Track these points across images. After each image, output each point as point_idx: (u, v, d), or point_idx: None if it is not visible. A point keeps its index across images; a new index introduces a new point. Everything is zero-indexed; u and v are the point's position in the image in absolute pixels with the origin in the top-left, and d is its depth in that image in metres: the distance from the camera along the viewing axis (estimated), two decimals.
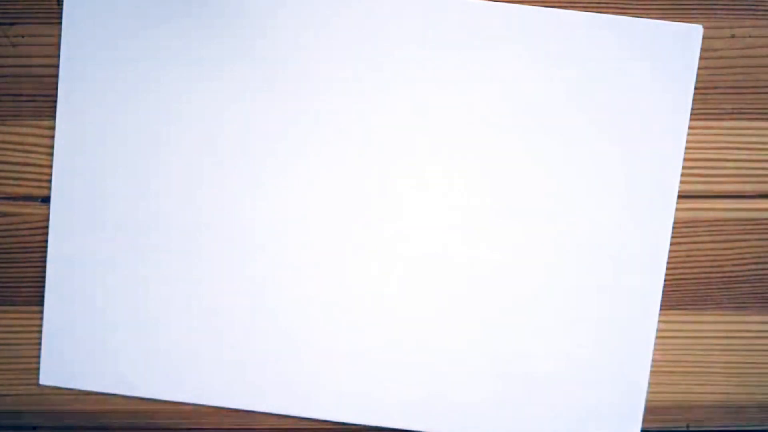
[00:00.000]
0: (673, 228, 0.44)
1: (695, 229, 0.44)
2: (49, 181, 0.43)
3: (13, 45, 0.43)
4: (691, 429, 0.45)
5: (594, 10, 0.43)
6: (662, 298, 0.44)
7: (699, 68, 0.43)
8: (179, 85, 0.43)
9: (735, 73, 0.43)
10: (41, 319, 0.44)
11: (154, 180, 0.43)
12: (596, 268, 0.44)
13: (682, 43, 0.42)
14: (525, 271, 0.44)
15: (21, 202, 0.44)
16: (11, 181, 0.43)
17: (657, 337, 0.44)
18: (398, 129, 0.43)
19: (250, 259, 0.43)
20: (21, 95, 0.43)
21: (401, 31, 0.42)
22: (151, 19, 0.42)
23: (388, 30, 0.42)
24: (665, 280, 0.44)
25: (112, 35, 0.42)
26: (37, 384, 0.44)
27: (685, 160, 0.43)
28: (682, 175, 0.44)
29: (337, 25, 0.42)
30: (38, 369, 0.44)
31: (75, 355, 0.44)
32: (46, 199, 0.43)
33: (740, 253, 0.45)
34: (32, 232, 0.44)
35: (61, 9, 0.42)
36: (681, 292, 0.44)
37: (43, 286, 0.44)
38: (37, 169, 0.43)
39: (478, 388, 0.44)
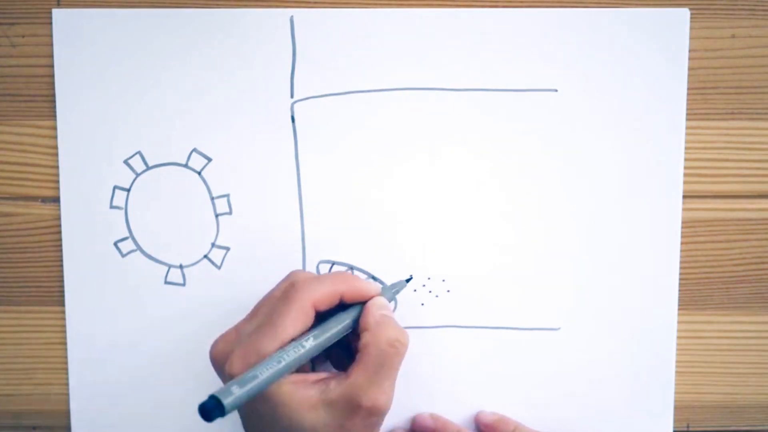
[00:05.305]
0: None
1: (695, 229, 0.44)
2: (49, 181, 0.43)
3: (13, 45, 0.43)
4: (691, 429, 0.45)
5: (592, 5, 0.43)
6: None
7: (699, 68, 0.43)
8: (177, 86, 0.43)
9: (735, 73, 0.43)
10: (40, 318, 0.44)
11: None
12: (609, 269, 0.44)
13: (671, 27, 0.42)
14: (530, 276, 0.44)
15: (21, 202, 0.44)
16: (11, 181, 0.43)
17: None
18: (409, 133, 0.43)
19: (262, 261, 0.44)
20: (21, 95, 0.43)
21: (407, 42, 0.42)
22: (146, 25, 0.42)
23: (396, 44, 0.42)
24: None
25: (105, 36, 0.42)
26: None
27: (685, 160, 0.43)
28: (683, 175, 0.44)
29: (342, 43, 0.42)
30: (37, 369, 0.44)
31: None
32: (46, 200, 0.43)
33: (740, 253, 0.45)
34: (32, 232, 0.44)
35: (51, 16, 0.42)
36: (681, 292, 0.44)
37: (43, 286, 0.44)
38: (37, 169, 0.43)
39: (504, 403, 0.44)
